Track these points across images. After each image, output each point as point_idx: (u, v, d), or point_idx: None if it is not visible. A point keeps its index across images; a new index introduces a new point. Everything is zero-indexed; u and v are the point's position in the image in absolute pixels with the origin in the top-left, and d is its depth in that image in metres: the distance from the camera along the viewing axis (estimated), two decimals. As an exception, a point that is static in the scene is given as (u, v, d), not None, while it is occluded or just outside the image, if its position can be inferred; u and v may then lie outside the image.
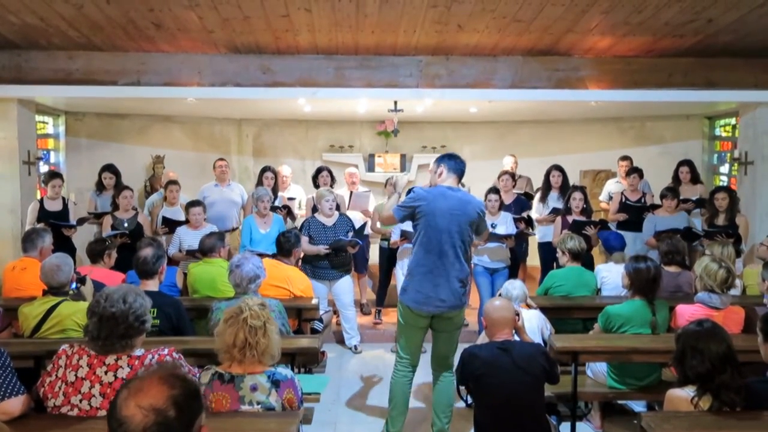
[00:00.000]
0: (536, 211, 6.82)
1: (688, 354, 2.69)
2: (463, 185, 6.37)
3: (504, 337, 3.28)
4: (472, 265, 6.01)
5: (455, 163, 3.91)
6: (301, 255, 5.54)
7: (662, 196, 6.24)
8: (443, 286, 3.74)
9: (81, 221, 6.29)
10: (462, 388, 4.10)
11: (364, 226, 6.12)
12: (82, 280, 3.87)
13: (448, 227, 3.72)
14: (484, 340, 4.21)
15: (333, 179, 6.82)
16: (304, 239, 5.54)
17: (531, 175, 7.88)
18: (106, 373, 2.45)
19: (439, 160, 3.95)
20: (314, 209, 6.05)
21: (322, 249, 5.53)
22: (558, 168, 6.74)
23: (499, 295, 4.47)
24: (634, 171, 6.80)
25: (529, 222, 6.13)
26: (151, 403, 1.44)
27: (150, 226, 6.46)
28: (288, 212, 6.44)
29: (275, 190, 6.68)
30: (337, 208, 6.25)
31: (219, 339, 2.67)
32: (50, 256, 3.99)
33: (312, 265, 5.63)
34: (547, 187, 6.80)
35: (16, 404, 2.47)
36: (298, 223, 6.98)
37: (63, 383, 2.46)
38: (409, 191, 4.36)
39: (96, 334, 2.48)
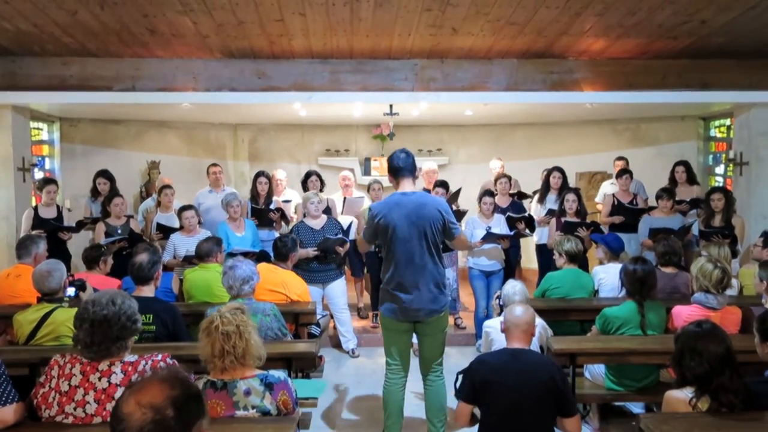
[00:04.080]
0: (534, 212, 6.82)
1: (686, 355, 2.68)
2: (446, 186, 6.31)
3: (519, 345, 3.21)
4: (468, 268, 6.00)
5: (397, 163, 3.76)
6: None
7: (658, 197, 6.24)
8: (416, 296, 3.67)
9: (80, 224, 6.27)
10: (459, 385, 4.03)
11: (350, 225, 6.11)
12: (82, 287, 3.84)
13: (410, 234, 3.63)
14: (488, 345, 4.20)
15: (322, 183, 6.81)
16: None
17: (528, 178, 7.91)
18: (99, 379, 2.43)
19: (389, 166, 3.82)
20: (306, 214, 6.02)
21: (311, 251, 5.53)
22: (559, 170, 6.73)
23: (497, 297, 4.45)
24: (625, 172, 6.81)
25: (530, 221, 6.10)
26: (150, 402, 1.46)
27: (144, 232, 6.43)
28: (282, 215, 6.43)
29: (270, 195, 6.67)
30: (329, 212, 6.24)
31: (200, 351, 2.68)
32: (42, 262, 3.96)
33: (303, 269, 5.61)
34: (546, 188, 6.80)
35: (9, 412, 2.45)
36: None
37: (56, 393, 2.44)
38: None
39: (90, 341, 2.46)
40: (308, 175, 6.81)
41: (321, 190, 6.70)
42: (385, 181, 7.31)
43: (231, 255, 5.15)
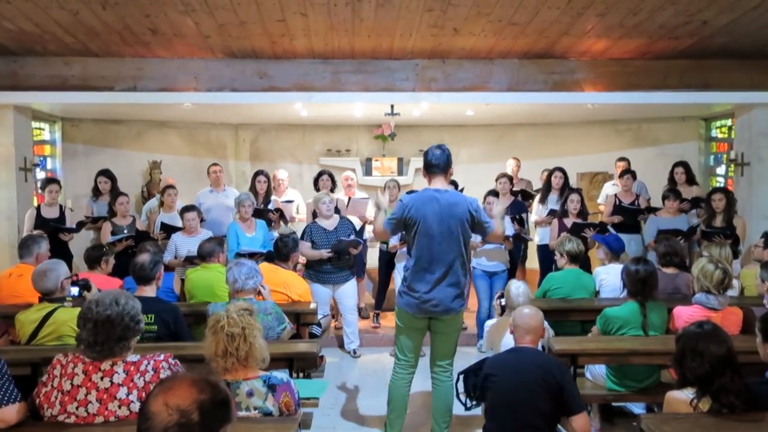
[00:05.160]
0: (536, 212, 6.82)
1: (687, 356, 2.68)
2: (456, 185, 6.35)
3: (526, 345, 3.22)
4: (471, 268, 6.00)
5: (429, 159, 3.78)
6: (302, 260, 5.52)
7: (664, 198, 6.24)
8: (436, 291, 3.70)
9: (80, 225, 6.27)
10: (461, 385, 4.04)
11: (363, 227, 6.10)
12: (86, 286, 3.84)
13: (439, 232, 3.67)
14: (489, 346, 4.21)
15: (334, 183, 6.79)
16: (307, 245, 5.50)
17: (529, 178, 7.91)
18: (102, 379, 2.44)
19: (424, 161, 3.86)
20: (314, 214, 6.04)
21: (324, 253, 5.50)
22: (561, 170, 6.74)
23: (499, 297, 4.44)
24: (627, 172, 6.82)
25: (521, 222, 6.10)
26: (178, 404, 1.47)
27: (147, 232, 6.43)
28: (281, 215, 6.42)
29: (268, 194, 6.67)
30: (337, 211, 6.24)
31: (204, 349, 2.68)
32: (43, 262, 3.96)
33: (315, 270, 5.60)
34: (547, 188, 6.80)
35: (12, 412, 2.46)
36: (297, 227, 6.97)
37: (59, 392, 2.45)
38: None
39: (93, 340, 2.46)
40: (320, 174, 6.77)
41: (332, 190, 6.69)
42: (399, 180, 7.33)
43: (239, 255, 5.14)
